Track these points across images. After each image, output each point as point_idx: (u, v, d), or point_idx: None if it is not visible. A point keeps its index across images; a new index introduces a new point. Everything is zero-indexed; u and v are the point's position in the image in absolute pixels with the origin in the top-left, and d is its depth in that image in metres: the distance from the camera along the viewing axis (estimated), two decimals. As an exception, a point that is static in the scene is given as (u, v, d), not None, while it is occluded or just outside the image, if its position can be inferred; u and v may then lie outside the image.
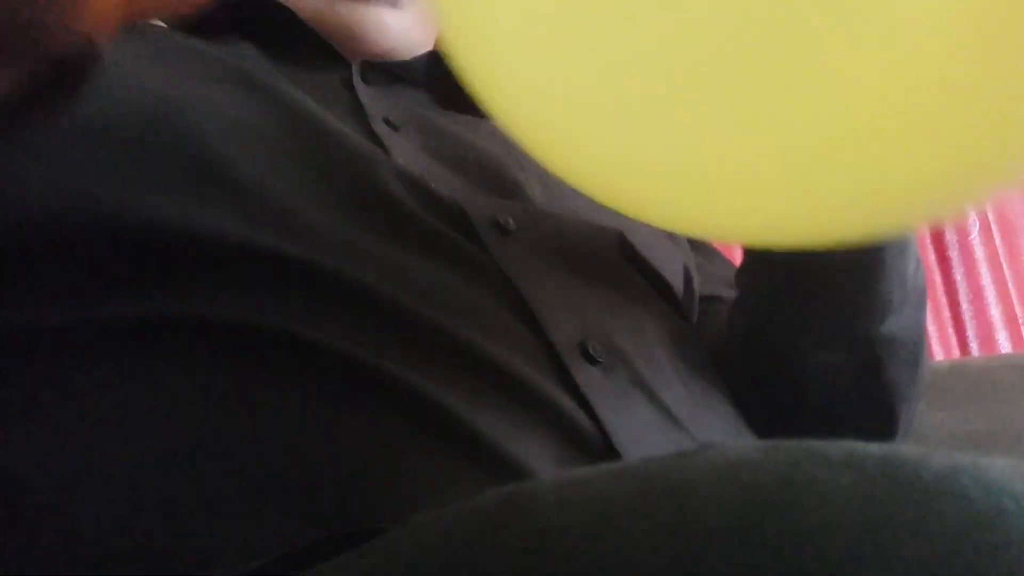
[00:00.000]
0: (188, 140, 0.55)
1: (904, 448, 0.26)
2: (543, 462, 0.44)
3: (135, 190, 0.52)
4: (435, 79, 0.78)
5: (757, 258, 0.65)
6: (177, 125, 0.56)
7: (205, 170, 0.53)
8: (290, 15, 0.72)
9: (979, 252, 2.25)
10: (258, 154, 0.55)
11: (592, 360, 0.50)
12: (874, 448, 0.26)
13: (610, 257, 0.60)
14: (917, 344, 0.65)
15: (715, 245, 0.83)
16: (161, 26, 0.73)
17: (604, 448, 0.46)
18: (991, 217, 2.26)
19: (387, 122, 0.65)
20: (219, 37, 0.69)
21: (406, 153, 0.61)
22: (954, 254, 2.27)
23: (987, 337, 2.22)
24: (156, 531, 0.41)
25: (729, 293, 0.74)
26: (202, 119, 0.56)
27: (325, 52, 0.73)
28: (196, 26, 0.70)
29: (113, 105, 0.56)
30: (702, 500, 0.26)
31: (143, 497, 0.42)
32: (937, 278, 2.25)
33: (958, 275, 2.26)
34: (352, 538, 0.35)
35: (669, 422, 0.50)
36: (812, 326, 0.63)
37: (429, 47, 0.80)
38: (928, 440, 0.86)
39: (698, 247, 0.78)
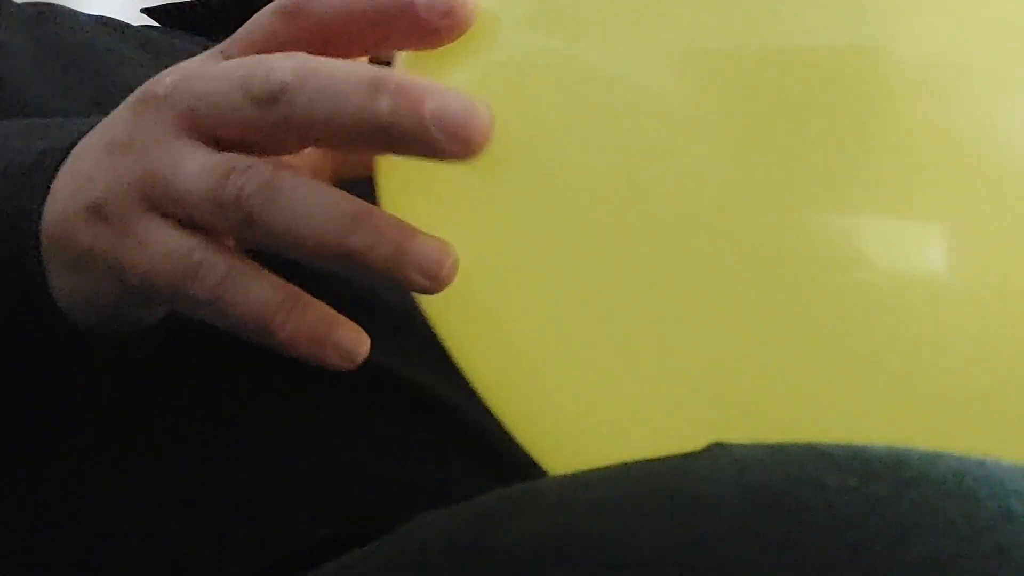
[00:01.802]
0: None
1: (911, 450, 0.26)
2: None
3: None
4: None
5: None
6: None
7: None
8: None
9: None
10: None
11: None
12: (881, 449, 0.26)
13: None
14: None
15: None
16: (157, 27, 0.73)
17: None
18: None
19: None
20: (220, 38, 0.69)
21: None
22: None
23: None
24: (161, 532, 0.41)
25: None
26: None
27: None
28: (196, 27, 0.70)
29: (113, 102, 0.56)
30: (707, 501, 0.26)
31: (149, 498, 0.41)
32: None
33: None
34: (354, 538, 0.35)
35: None
36: None
37: None
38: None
39: None
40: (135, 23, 0.71)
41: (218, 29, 0.70)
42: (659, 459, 0.28)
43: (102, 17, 0.67)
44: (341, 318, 0.36)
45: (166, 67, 0.61)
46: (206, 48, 0.64)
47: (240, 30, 0.39)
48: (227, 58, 0.38)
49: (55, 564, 0.41)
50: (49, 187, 0.39)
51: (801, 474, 0.26)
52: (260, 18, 0.38)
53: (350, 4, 0.36)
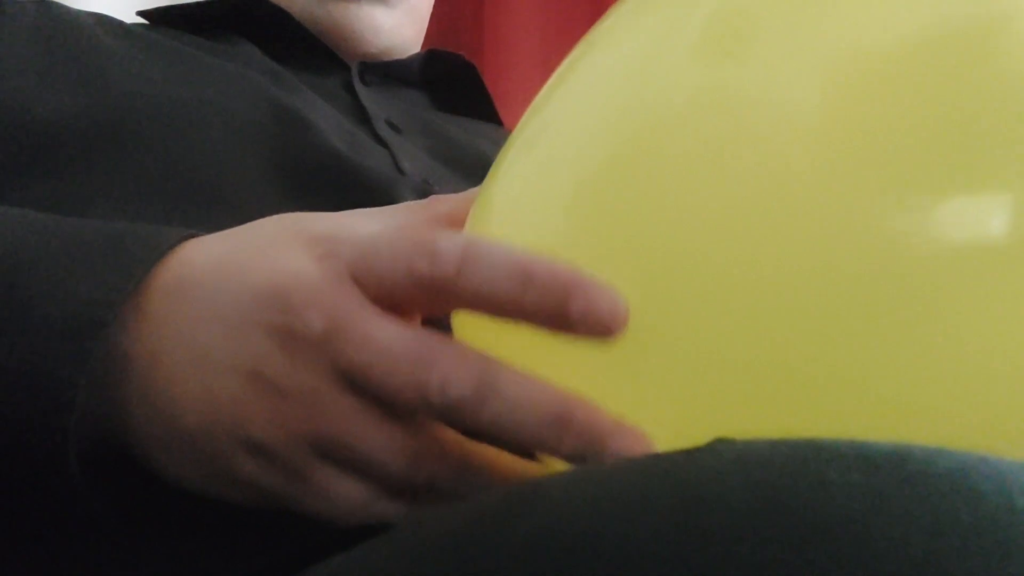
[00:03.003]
0: (183, 143, 0.55)
1: (914, 446, 0.26)
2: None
3: (123, 194, 0.52)
4: (431, 80, 0.78)
5: None
6: (174, 125, 0.56)
7: (198, 179, 0.53)
8: (286, 17, 0.73)
9: None
10: (248, 159, 0.55)
11: None
12: (884, 445, 0.26)
13: None
14: None
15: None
16: (150, 25, 0.73)
17: None
18: None
19: (389, 124, 0.66)
20: (221, 37, 0.69)
21: (409, 155, 0.62)
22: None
23: None
24: (161, 529, 0.41)
25: None
26: (200, 121, 0.56)
27: (322, 53, 0.73)
28: (196, 24, 0.70)
29: (110, 101, 0.56)
30: (711, 497, 0.26)
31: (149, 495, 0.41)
32: None
33: None
34: (354, 534, 0.35)
35: None
36: None
37: (419, 45, 0.80)
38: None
39: None
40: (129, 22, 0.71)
41: (219, 29, 0.70)
42: (662, 455, 0.28)
43: (98, 14, 0.67)
44: None
45: (160, 66, 0.61)
46: (206, 49, 0.65)
47: (373, 254, 0.37)
48: (362, 286, 0.37)
49: (54, 562, 0.41)
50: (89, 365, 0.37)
51: (805, 471, 0.26)
52: (400, 263, 0.36)
53: (505, 295, 0.35)
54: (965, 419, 0.32)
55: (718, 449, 0.28)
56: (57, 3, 0.65)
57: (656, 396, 0.35)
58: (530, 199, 0.38)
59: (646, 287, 0.34)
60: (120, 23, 0.68)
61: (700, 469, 0.27)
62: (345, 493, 0.37)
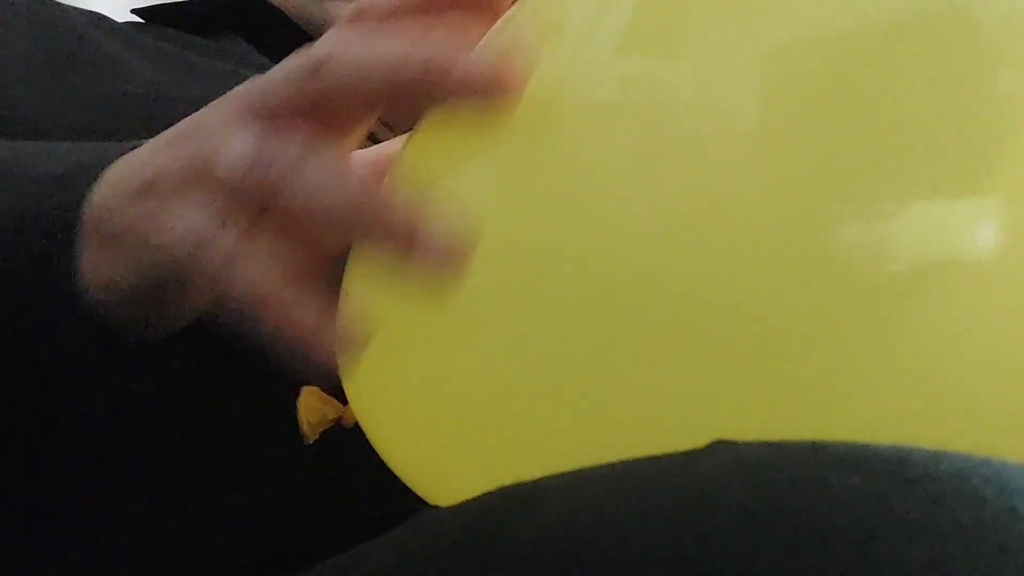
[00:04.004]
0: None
1: (915, 449, 0.26)
2: None
3: None
4: None
5: None
6: (164, 125, 0.56)
7: None
8: (281, 15, 0.73)
9: None
10: None
11: None
12: (885, 448, 0.26)
13: None
14: None
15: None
16: (144, 25, 0.73)
17: None
18: None
19: (382, 121, 0.66)
20: (216, 36, 0.69)
21: None
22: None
23: None
24: (164, 521, 0.41)
25: None
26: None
27: None
28: (192, 23, 0.70)
29: (101, 101, 0.56)
30: (711, 499, 0.26)
31: (148, 492, 0.41)
32: None
33: None
34: (355, 531, 0.35)
35: None
36: None
37: None
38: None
39: None
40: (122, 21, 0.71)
41: (213, 26, 0.70)
42: (663, 457, 0.28)
43: (93, 14, 0.67)
44: None
45: (152, 65, 0.61)
46: (198, 47, 0.65)
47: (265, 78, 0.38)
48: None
49: (55, 559, 0.41)
50: (91, 187, 0.39)
51: (805, 473, 0.26)
52: (282, 68, 0.37)
53: (372, 72, 0.36)
54: (965, 421, 0.31)
55: (718, 451, 0.28)
56: (51, 1, 0.65)
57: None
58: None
59: (560, 298, 0.32)
60: (112, 22, 0.68)
61: (700, 471, 0.27)
62: (190, 217, 0.37)
